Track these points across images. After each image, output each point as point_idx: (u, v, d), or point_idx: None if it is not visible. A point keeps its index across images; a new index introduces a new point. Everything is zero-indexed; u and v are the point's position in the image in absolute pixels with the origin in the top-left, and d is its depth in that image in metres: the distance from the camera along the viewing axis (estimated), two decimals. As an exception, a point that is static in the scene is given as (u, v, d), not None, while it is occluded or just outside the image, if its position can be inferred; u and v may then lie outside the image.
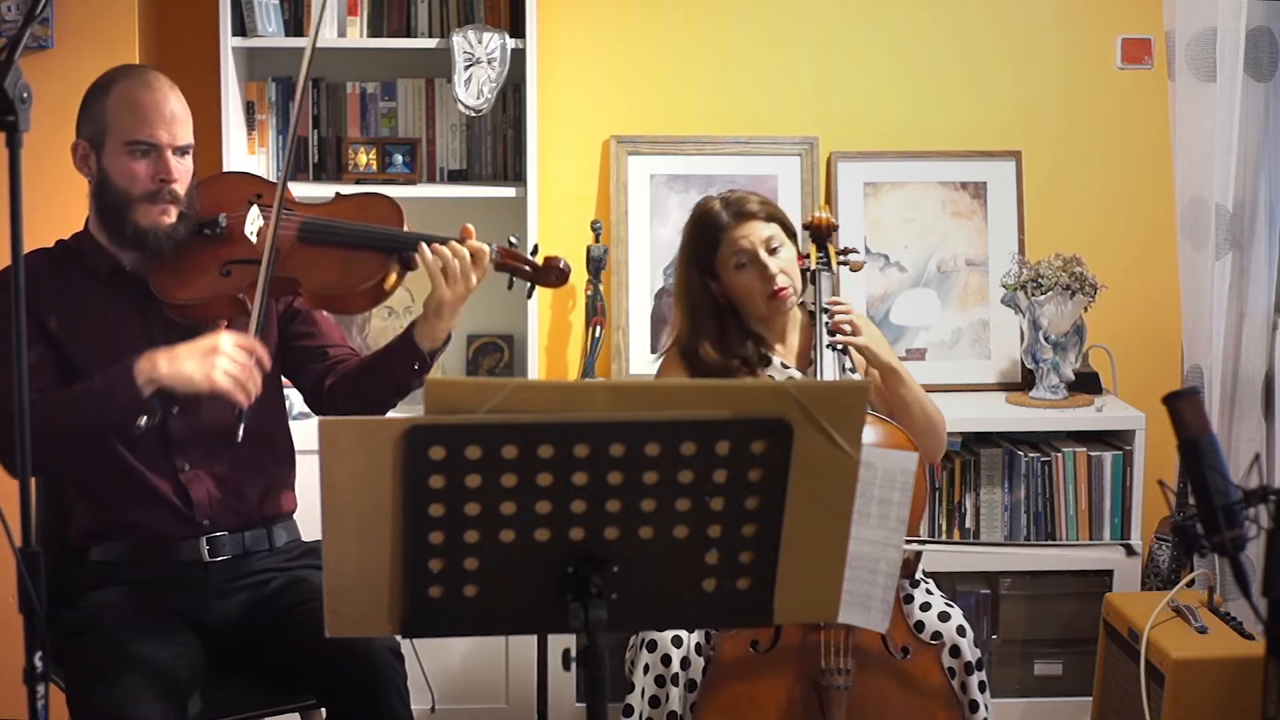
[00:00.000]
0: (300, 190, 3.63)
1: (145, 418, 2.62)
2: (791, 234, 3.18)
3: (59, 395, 2.64)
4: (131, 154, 2.69)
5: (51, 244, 2.84)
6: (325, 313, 2.93)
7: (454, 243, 2.73)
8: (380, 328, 4.07)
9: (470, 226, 2.77)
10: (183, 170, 2.72)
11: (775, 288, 3.10)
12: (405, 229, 2.79)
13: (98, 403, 2.60)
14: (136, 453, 2.73)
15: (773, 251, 3.12)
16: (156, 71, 2.78)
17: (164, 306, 2.73)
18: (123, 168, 2.69)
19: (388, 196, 2.86)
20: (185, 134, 2.72)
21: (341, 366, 2.89)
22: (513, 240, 2.82)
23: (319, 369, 2.90)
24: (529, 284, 2.79)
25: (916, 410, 3.13)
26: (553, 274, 2.78)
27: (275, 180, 2.87)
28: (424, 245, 2.72)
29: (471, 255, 2.72)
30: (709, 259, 3.15)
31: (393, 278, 2.76)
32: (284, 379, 2.94)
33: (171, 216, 2.71)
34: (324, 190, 3.46)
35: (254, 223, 2.78)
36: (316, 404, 2.92)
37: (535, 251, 2.80)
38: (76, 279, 2.77)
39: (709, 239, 3.15)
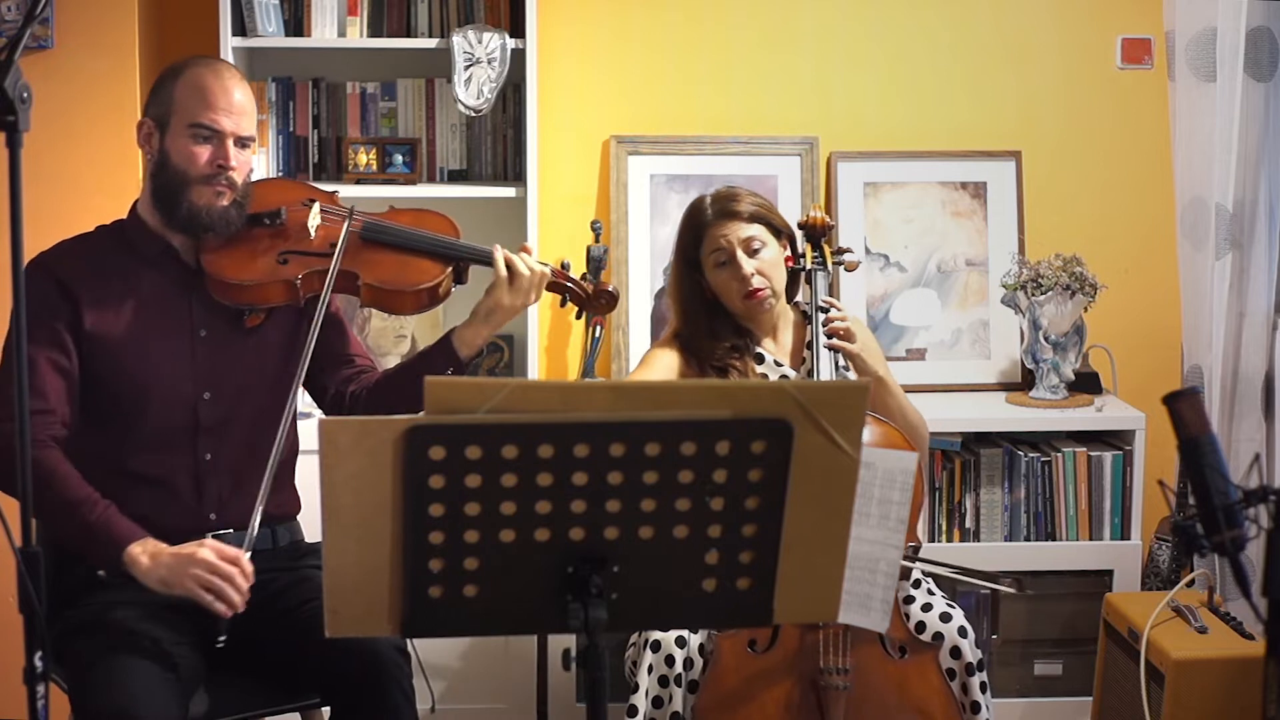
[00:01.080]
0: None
1: (103, 573, 2.67)
2: (779, 233, 3.18)
3: (66, 499, 2.62)
4: (194, 137, 2.73)
5: (63, 238, 2.84)
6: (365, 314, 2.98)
7: (525, 255, 2.84)
8: (380, 328, 4.08)
9: (529, 246, 2.90)
10: (241, 161, 2.77)
11: (750, 289, 3.12)
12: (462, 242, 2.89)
13: (82, 535, 2.62)
14: (163, 434, 2.75)
15: (752, 252, 3.13)
16: (230, 64, 2.86)
17: (214, 286, 2.77)
18: (183, 149, 2.73)
19: (444, 214, 2.95)
20: (249, 125, 2.77)
21: (365, 376, 2.94)
22: (565, 264, 2.99)
23: (344, 375, 2.94)
24: (580, 307, 2.95)
25: (899, 419, 3.15)
26: (603, 298, 2.95)
27: (328, 189, 2.98)
28: (499, 248, 2.83)
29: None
30: (695, 254, 3.18)
31: (446, 284, 2.85)
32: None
33: (226, 200, 2.75)
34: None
35: (315, 219, 2.84)
36: (336, 410, 2.94)
37: (585, 277, 2.94)
38: (116, 257, 2.79)
39: (694, 234, 3.19)
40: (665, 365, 3.20)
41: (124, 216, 2.86)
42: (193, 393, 2.76)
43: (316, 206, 2.86)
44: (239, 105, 2.75)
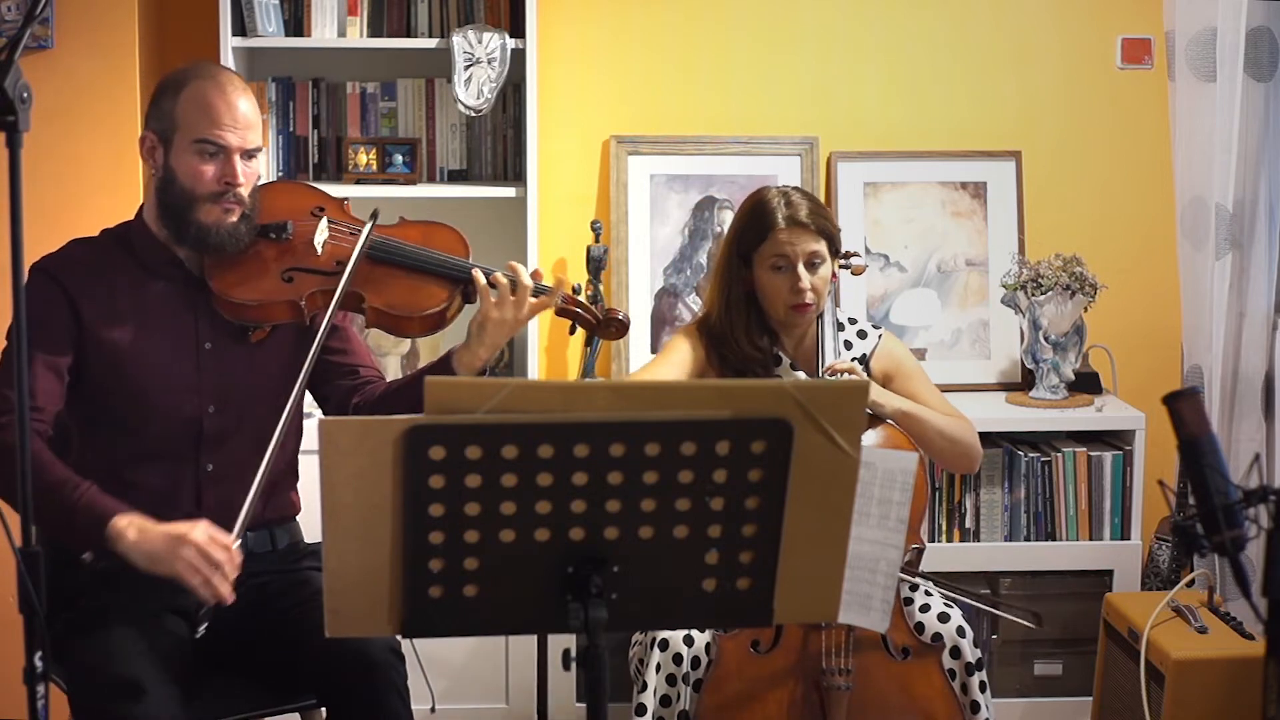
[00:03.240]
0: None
1: (89, 555, 2.62)
2: (835, 250, 3.18)
3: (49, 481, 2.57)
4: (200, 153, 2.68)
5: (63, 243, 2.82)
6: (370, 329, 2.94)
7: (518, 268, 2.77)
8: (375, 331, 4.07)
9: (541, 270, 2.85)
10: (249, 173, 2.72)
11: (800, 301, 3.11)
12: (471, 260, 2.83)
13: (64, 515, 2.56)
14: (165, 444, 2.73)
15: (812, 267, 3.12)
16: (231, 72, 2.79)
17: (218, 303, 2.73)
18: (189, 166, 2.69)
19: (454, 228, 2.90)
20: (255, 137, 2.72)
21: (370, 388, 2.90)
22: (575, 289, 2.92)
23: (347, 386, 2.91)
24: (590, 333, 2.90)
25: (940, 441, 3.14)
26: (614, 325, 2.89)
27: (336, 196, 2.92)
28: (479, 270, 2.76)
29: (539, 291, 2.77)
30: (751, 248, 3.16)
31: (455, 307, 2.81)
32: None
33: (235, 216, 2.71)
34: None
35: (321, 234, 2.79)
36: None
37: (596, 301, 2.88)
38: (123, 266, 2.76)
39: (758, 231, 3.14)
40: (681, 357, 3.18)
41: (128, 219, 2.84)
42: (197, 405, 2.74)
43: (324, 222, 2.81)
44: (244, 118, 2.70)
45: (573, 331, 2.92)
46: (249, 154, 2.72)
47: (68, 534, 2.59)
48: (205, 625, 2.55)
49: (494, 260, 2.90)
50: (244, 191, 2.71)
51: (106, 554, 2.57)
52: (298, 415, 2.89)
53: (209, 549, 2.50)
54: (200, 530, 2.52)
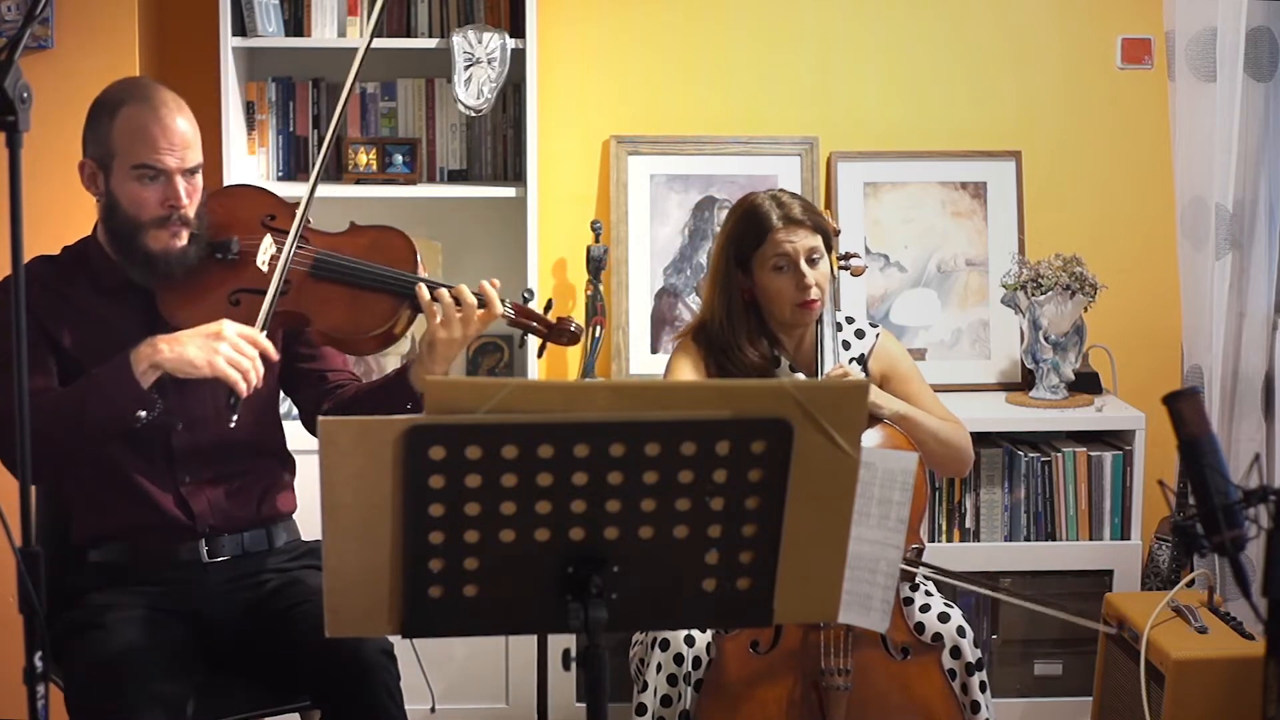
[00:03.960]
0: (299, 191, 3.62)
1: (145, 411, 2.60)
2: (830, 246, 3.18)
3: (60, 391, 2.63)
4: (140, 179, 2.65)
5: (57, 250, 2.82)
6: None
7: (462, 288, 2.71)
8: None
9: (488, 285, 2.74)
10: (192, 190, 2.69)
11: (807, 298, 3.11)
12: (420, 267, 2.79)
13: (98, 394, 2.59)
14: (139, 467, 2.72)
15: (813, 263, 3.12)
16: (162, 89, 2.73)
17: (169, 328, 2.69)
18: (131, 193, 2.66)
19: (403, 234, 2.84)
20: (194, 155, 2.68)
21: (340, 392, 2.88)
22: (526, 295, 2.87)
23: (316, 393, 2.89)
24: (541, 341, 2.81)
25: (935, 445, 3.15)
26: (564, 335, 2.79)
27: (288, 200, 2.86)
28: (422, 287, 2.70)
29: (482, 303, 2.70)
30: (749, 254, 3.15)
31: (403, 322, 2.76)
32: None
33: (183, 239, 2.69)
34: (324, 190, 3.46)
35: (266, 251, 2.75)
36: (310, 426, 2.90)
37: (549, 308, 2.85)
38: (83, 288, 2.75)
39: (755, 235, 3.14)
40: (685, 375, 3.16)
41: (88, 235, 2.80)
42: (164, 424, 2.69)
43: (268, 239, 2.75)
44: (182, 138, 2.65)
45: (522, 344, 2.83)
46: (190, 172, 2.68)
47: (100, 408, 2.58)
48: (235, 416, 2.61)
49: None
50: (189, 212, 2.68)
51: (154, 401, 2.59)
52: (276, 410, 2.88)
53: (241, 342, 2.58)
54: (229, 326, 2.60)
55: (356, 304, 2.74)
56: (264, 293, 2.69)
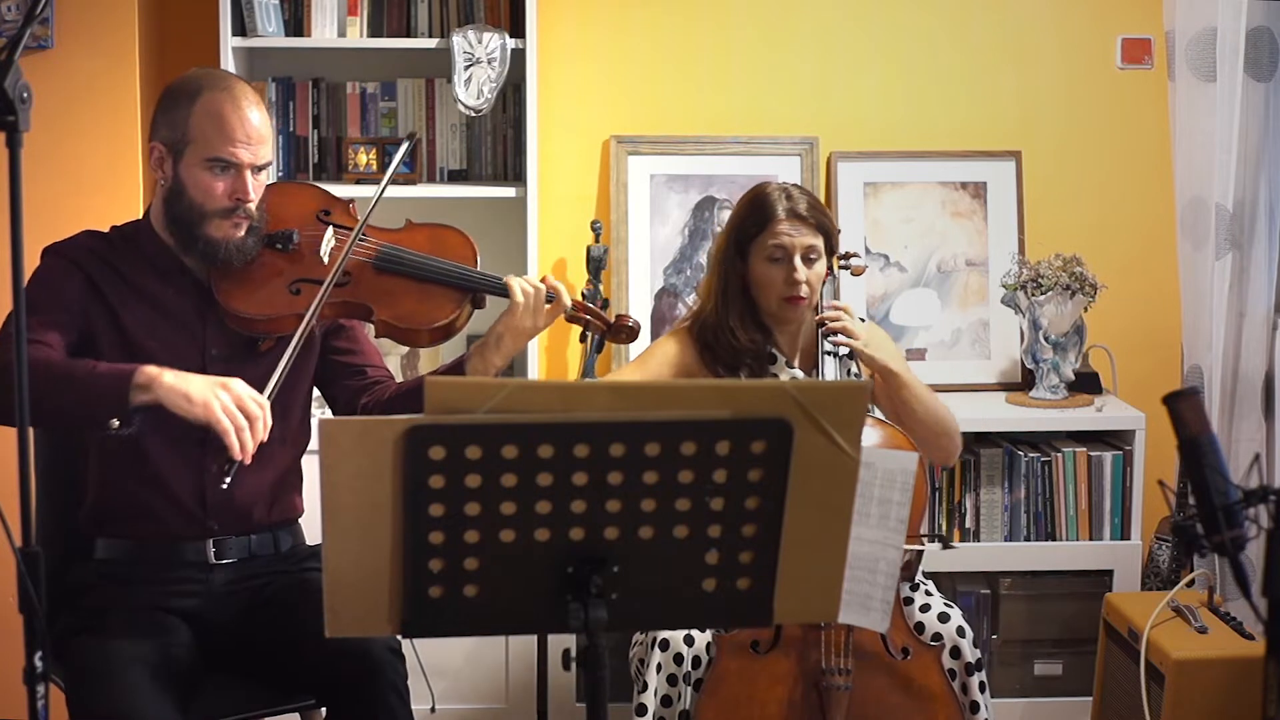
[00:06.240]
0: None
1: (118, 422, 2.56)
2: (831, 250, 3.19)
3: (59, 361, 2.59)
4: (211, 169, 2.65)
5: (75, 235, 2.81)
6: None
7: (538, 280, 2.81)
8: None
9: (553, 279, 2.86)
10: (259, 186, 2.70)
11: (795, 293, 3.12)
12: (479, 265, 2.83)
13: (85, 385, 2.54)
14: (169, 446, 2.71)
15: (808, 261, 3.13)
16: (243, 83, 2.74)
17: (225, 315, 2.71)
18: (200, 181, 2.66)
19: (462, 232, 2.88)
20: (266, 152, 2.69)
21: (379, 388, 2.89)
22: (585, 294, 2.90)
23: (356, 386, 2.90)
24: (600, 336, 2.91)
25: (921, 412, 3.13)
26: (624, 332, 2.90)
27: (341, 198, 2.89)
28: (513, 278, 2.79)
29: (550, 298, 2.81)
30: (749, 240, 3.16)
31: (464, 316, 2.80)
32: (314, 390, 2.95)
33: (243, 230, 2.70)
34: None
35: (328, 244, 2.78)
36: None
37: (605, 306, 2.90)
38: (137, 266, 2.75)
39: (757, 221, 3.15)
40: (661, 361, 3.19)
41: (129, 218, 2.82)
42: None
43: (330, 230, 2.79)
44: (258, 133, 2.67)
45: (583, 338, 2.92)
46: (259, 168, 2.70)
47: (91, 402, 2.54)
48: (229, 480, 2.55)
49: (499, 263, 2.90)
50: (253, 206, 2.70)
51: (132, 418, 2.54)
52: (305, 416, 2.88)
53: (245, 402, 2.53)
54: (238, 383, 2.55)
55: (421, 297, 2.77)
56: (325, 282, 2.71)
